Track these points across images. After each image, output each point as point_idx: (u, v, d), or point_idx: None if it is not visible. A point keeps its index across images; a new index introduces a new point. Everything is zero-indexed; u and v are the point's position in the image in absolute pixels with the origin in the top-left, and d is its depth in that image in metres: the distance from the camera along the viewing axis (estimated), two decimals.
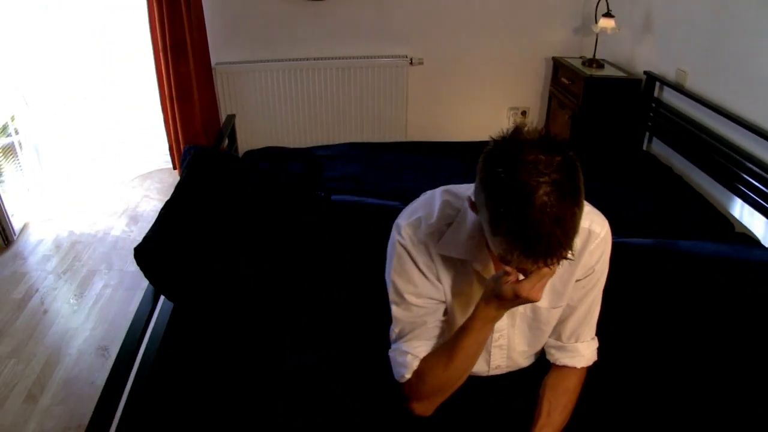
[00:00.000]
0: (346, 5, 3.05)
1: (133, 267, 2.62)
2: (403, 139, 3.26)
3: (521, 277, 0.97)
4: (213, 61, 3.02)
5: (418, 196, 2.40)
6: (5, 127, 3.00)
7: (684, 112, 2.67)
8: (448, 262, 1.10)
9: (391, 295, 1.13)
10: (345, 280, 1.64)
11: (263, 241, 1.84)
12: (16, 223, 2.83)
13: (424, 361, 1.11)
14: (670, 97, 2.79)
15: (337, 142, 3.17)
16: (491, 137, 0.89)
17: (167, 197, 3.07)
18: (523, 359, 1.26)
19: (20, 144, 3.11)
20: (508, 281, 0.97)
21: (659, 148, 2.84)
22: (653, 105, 2.87)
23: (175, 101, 2.98)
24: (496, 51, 3.24)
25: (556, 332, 1.20)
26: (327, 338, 1.42)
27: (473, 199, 0.95)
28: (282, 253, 1.79)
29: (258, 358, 1.35)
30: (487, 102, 3.40)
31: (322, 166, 2.36)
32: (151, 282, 1.58)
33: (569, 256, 0.87)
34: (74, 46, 3.17)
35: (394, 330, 1.15)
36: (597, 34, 2.98)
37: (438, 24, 3.16)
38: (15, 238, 2.83)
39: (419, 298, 1.10)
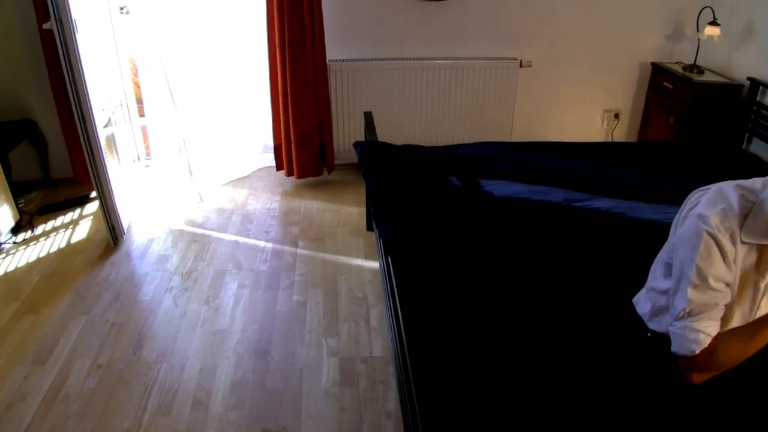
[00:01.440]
0: (459, 7, 3.06)
1: (265, 267, 2.54)
2: (508, 140, 3.25)
3: None
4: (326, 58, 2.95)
5: (585, 192, 2.35)
6: (109, 122, 2.86)
7: None
8: (743, 247, 1.22)
9: (693, 279, 1.23)
10: (494, 278, 1.62)
11: (419, 236, 1.80)
12: (123, 222, 2.69)
13: (718, 339, 1.22)
14: None
15: (444, 142, 3.14)
16: None
17: (274, 196, 3.14)
18: None
19: (115, 138, 2.99)
20: None
21: (759, 148, 2.94)
22: (754, 108, 2.97)
23: (289, 99, 2.87)
24: (593, 55, 3.29)
25: None
26: (462, 337, 1.40)
27: None
28: (436, 246, 1.77)
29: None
30: (583, 104, 3.43)
31: (470, 165, 2.34)
32: (400, 276, 1.51)
33: None
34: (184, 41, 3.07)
35: (684, 309, 1.24)
36: (699, 41, 3.07)
37: (544, 28, 3.19)
38: (124, 237, 2.71)
39: (717, 282, 1.21)
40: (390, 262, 1.56)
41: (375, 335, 2.08)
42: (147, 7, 3.01)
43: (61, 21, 2.22)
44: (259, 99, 3.22)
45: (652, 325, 1.40)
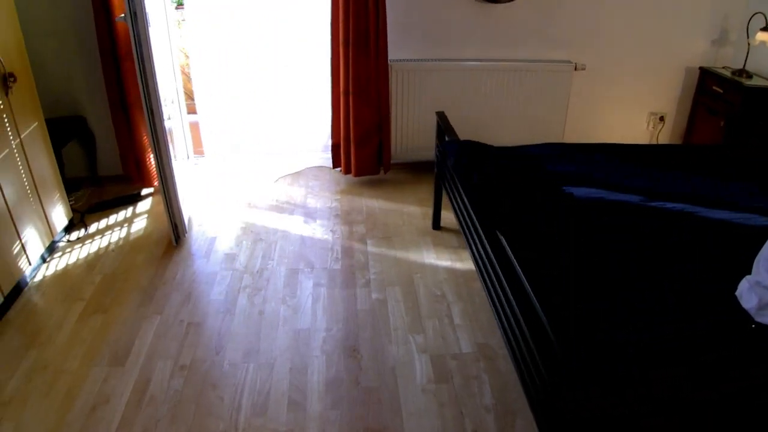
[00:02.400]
0: (516, 10, 3.08)
1: (337, 265, 2.49)
2: (560, 140, 3.26)
3: None
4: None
5: (660, 193, 2.33)
6: (169, 118, 2.79)
7: None
8: None
9: None
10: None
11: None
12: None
13: None
14: None
15: (497, 142, 3.14)
16: None
17: (332, 194, 3.15)
18: None
19: (172, 135, 2.92)
20: None
21: None
22: None
23: (351, 98, 2.85)
24: (640, 60, 3.33)
25: None
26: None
27: None
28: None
29: None
30: (630, 107, 3.47)
31: (542, 164, 2.34)
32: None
33: None
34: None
35: None
36: (749, 46, 3.12)
37: (595, 32, 3.23)
38: (186, 236, 2.64)
39: None
40: (511, 254, 1.55)
41: (460, 332, 2.05)
42: (203, 3, 2.97)
43: (135, 14, 2.17)
44: (313, 97, 3.19)
45: (759, 318, 1.42)
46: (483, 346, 2.00)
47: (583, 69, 3.16)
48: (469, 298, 2.24)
